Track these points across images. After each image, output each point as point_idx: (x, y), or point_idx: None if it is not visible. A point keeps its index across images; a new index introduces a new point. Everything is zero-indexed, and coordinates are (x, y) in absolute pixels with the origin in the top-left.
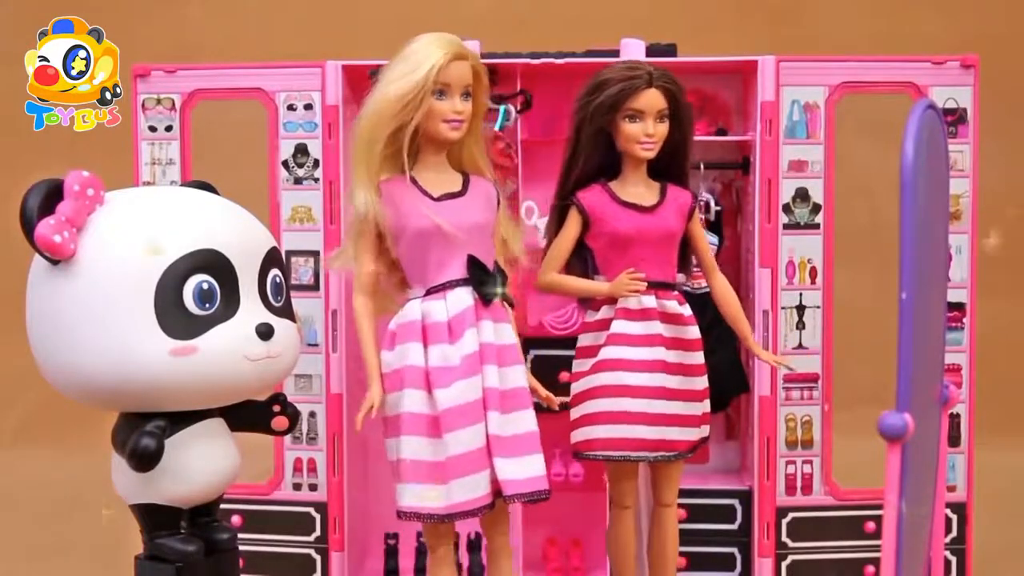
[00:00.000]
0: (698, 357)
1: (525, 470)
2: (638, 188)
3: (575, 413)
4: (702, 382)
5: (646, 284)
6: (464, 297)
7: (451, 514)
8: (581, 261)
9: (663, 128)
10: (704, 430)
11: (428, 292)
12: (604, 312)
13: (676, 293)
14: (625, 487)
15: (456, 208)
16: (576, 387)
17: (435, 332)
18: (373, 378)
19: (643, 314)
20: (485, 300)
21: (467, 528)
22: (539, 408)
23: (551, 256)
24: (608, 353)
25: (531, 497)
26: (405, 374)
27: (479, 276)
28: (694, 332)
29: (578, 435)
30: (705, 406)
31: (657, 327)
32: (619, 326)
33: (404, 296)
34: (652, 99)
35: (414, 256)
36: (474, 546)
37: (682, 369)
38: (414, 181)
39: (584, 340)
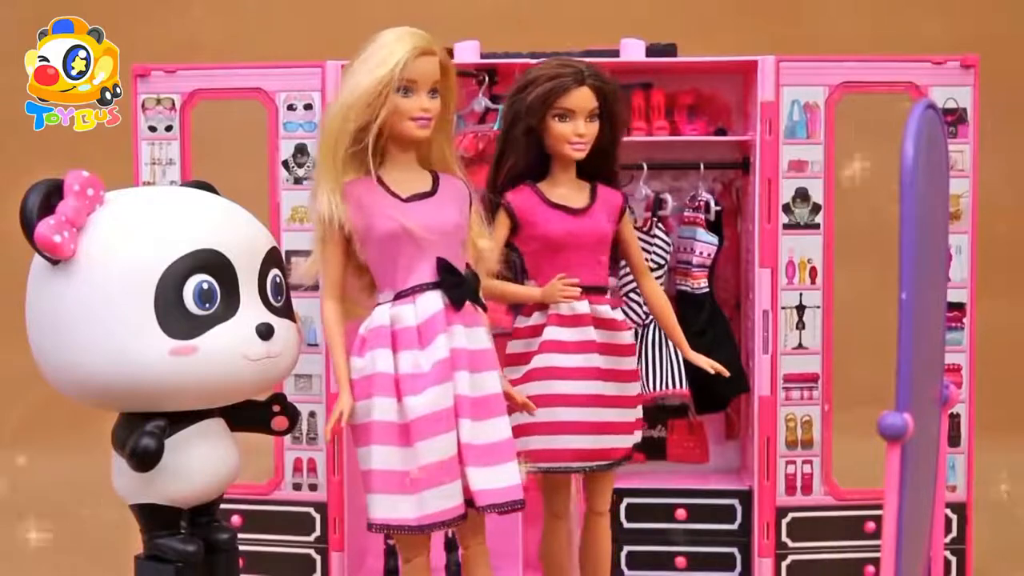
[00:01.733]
0: (631, 363)
1: (499, 480)
2: (568, 189)
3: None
4: (635, 388)
5: (580, 290)
6: (434, 301)
7: (423, 525)
8: (508, 264)
9: (593, 128)
10: (637, 436)
11: (397, 296)
12: (536, 318)
13: (609, 297)
14: (560, 498)
15: (426, 209)
16: None
17: (405, 338)
18: (342, 385)
19: (576, 320)
20: (455, 304)
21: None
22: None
23: None
24: (541, 361)
25: (504, 508)
26: (374, 381)
27: (449, 279)
28: (628, 337)
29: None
30: (638, 412)
31: (590, 333)
32: (552, 332)
33: (373, 301)
34: (583, 98)
35: (382, 260)
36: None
37: (616, 375)
38: (381, 182)
39: (515, 347)
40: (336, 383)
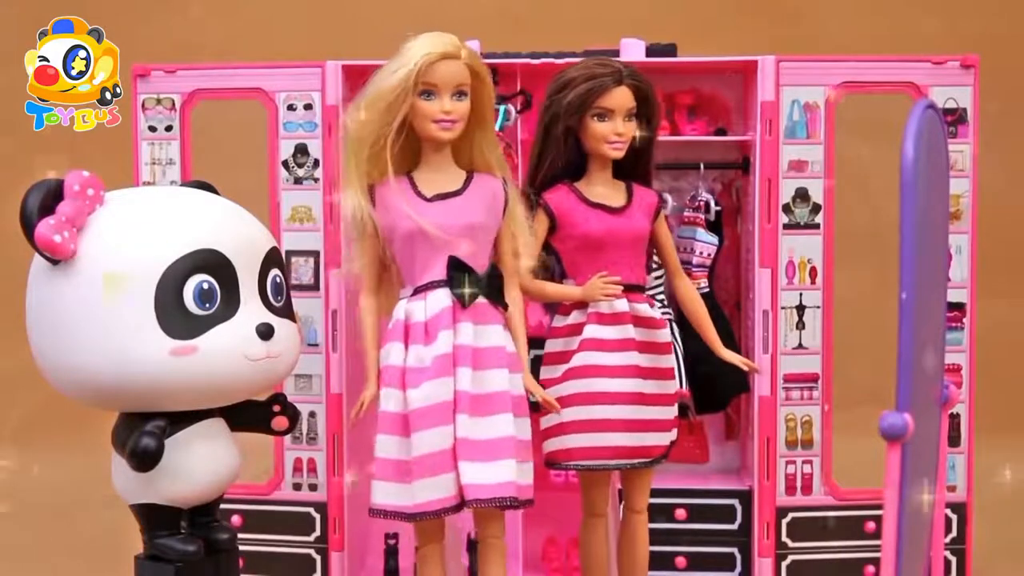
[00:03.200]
0: (669, 360)
1: (490, 476)
2: (605, 188)
3: (546, 422)
4: (673, 386)
5: (622, 287)
6: (442, 298)
7: (417, 513)
8: (544, 265)
9: (631, 127)
10: (674, 434)
11: (414, 292)
12: (575, 317)
13: (646, 296)
14: (600, 495)
15: (447, 208)
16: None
17: (414, 332)
18: (369, 375)
19: (616, 318)
20: (461, 302)
21: (469, 527)
22: (536, 408)
23: None
24: (581, 359)
25: (490, 503)
26: (386, 372)
27: (456, 277)
28: (665, 335)
29: (552, 444)
30: (675, 410)
31: (630, 331)
32: (592, 331)
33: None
34: (622, 97)
35: (403, 257)
36: (474, 546)
37: (655, 373)
38: (412, 181)
39: (553, 346)
40: (361, 378)
